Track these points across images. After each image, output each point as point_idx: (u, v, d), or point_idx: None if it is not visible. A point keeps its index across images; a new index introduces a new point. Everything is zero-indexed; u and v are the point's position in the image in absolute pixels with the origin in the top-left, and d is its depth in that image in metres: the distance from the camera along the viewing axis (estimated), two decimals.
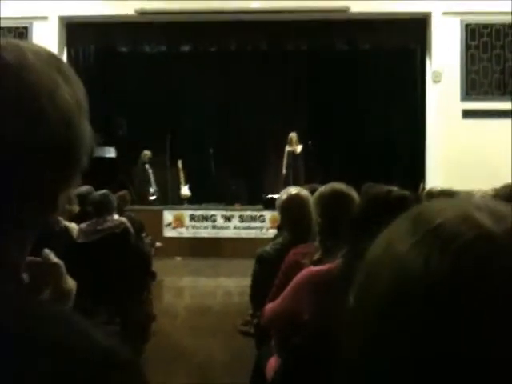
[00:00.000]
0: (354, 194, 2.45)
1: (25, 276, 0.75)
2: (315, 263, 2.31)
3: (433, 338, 0.46)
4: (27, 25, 10.10)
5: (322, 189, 2.54)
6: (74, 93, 0.64)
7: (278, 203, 3.34)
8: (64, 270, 0.91)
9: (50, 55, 0.66)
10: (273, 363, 2.44)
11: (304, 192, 3.27)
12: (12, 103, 0.59)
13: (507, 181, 3.05)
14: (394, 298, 0.49)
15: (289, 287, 2.26)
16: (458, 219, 0.49)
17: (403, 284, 0.49)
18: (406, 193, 2.06)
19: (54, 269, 0.89)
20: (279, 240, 3.30)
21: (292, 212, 3.14)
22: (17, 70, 0.60)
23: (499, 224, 0.48)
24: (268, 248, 3.26)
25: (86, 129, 0.65)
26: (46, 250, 0.91)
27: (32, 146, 0.59)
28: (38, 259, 0.87)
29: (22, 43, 0.64)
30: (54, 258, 0.91)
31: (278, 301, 2.34)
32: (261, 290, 2.97)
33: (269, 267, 3.00)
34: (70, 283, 0.92)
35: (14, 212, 0.61)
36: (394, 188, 2.18)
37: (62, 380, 0.53)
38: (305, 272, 2.19)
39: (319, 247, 2.41)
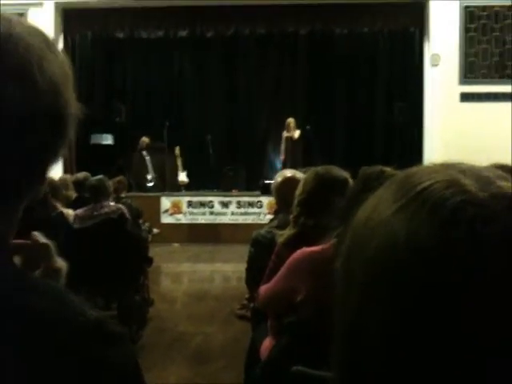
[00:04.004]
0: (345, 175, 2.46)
1: (16, 259, 0.76)
2: (288, 241, 2.35)
3: (419, 306, 0.45)
4: (23, 11, 10.02)
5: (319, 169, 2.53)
6: (60, 63, 0.65)
7: (273, 186, 3.34)
8: (54, 250, 0.92)
9: (35, 28, 0.66)
10: (267, 343, 2.44)
11: (299, 175, 3.26)
12: (3, 71, 0.59)
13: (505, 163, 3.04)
14: (379, 264, 0.48)
15: (282, 268, 2.26)
16: (443, 184, 0.48)
17: (387, 250, 0.47)
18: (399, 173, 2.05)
19: (44, 249, 0.90)
20: (274, 223, 3.29)
21: (287, 194, 3.13)
22: (5, 39, 0.61)
23: (485, 189, 0.47)
24: (263, 231, 3.25)
25: (73, 100, 0.66)
26: (35, 232, 0.91)
27: (23, 115, 0.59)
28: (28, 242, 0.88)
29: (9, 15, 0.64)
30: (42, 239, 0.91)
31: (272, 282, 2.33)
32: (256, 273, 2.97)
33: (264, 250, 2.99)
34: (60, 263, 0.93)
35: (0, 183, 0.61)
36: (388, 168, 2.17)
37: (53, 349, 0.55)
38: (298, 253, 2.19)
39: (295, 224, 2.44)
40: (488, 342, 0.43)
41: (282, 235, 2.55)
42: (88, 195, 4.66)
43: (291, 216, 2.51)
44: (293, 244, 2.34)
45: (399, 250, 0.46)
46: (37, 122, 0.61)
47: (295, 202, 2.46)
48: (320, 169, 2.49)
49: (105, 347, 0.58)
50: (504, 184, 0.48)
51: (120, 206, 4.79)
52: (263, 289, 2.45)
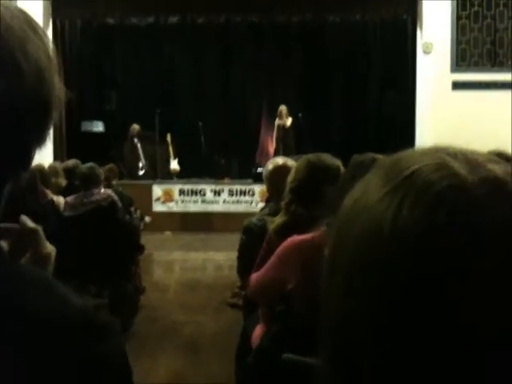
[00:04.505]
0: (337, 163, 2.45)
1: (3, 243, 0.74)
2: (279, 228, 2.34)
3: (408, 297, 0.43)
4: None
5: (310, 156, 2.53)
6: (44, 46, 0.63)
7: (264, 173, 3.33)
8: (42, 234, 0.90)
9: (17, 8, 0.63)
10: (258, 331, 2.44)
11: (291, 162, 3.26)
12: None
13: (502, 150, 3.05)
14: (364, 254, 0.46)
15: (273, 257, 2.26)
16: (431, 167, 0.46)
17: (372, 237, 0.46)
18: None
19: (32, 234, 0.89)
20: (266, 211, 3.29)
21: (278, 182, 3.12)
22: None
23: (475, 172, 0.45)
24: (255, 219, 3.25)
25: (58, 83, 0.64)
26: (23, 216, 0.90)
27: (7, 100, 0.57)
28: (16, 225, 0.86)
29: None
30: (31, 224, 0.90)
31: (262, 271, 2.33)
32: (248, 261, 2.97)
33: (255, 238, 2.99)
34: (49, 248, 0.91)
35: None
36: (380, 156, 2.17)
37: (42, 343, 0.55)
38: (288, 241, 2.19)
39: (286, 211, 2.43)
40: (487, 333, 0.42)
41: (273, 222, 2.54)
42: (78, 183, 4.63)
43: (283, 203, 2.50)
44: (284, 232, 2.33)
45: (384, 238, 0.45)
46: (21, 111, 0.59)
47: (287, 188, 2.46)
48: (312, 156, 2.48)
49: (96, 343, 0.58)
50: (494, 167, 0.46)
51: (110, 193, 4.76)
52: (254, 277, 2.45)
